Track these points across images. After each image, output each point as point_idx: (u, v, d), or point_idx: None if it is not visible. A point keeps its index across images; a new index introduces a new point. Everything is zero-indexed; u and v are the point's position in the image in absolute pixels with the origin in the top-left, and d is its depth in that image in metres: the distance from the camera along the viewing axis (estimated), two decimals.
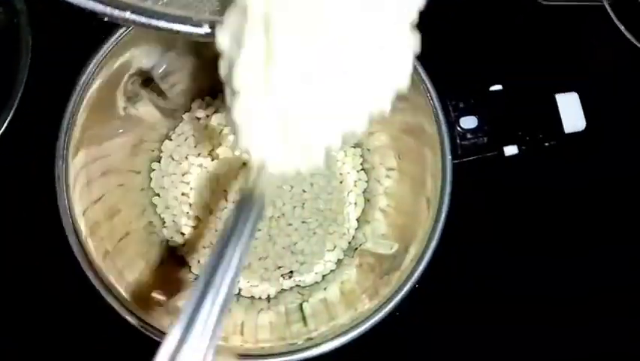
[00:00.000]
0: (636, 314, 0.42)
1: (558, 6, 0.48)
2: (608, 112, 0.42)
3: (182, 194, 0.41)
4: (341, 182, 0.42)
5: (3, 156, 0.42)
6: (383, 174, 0.41)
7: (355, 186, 0.42)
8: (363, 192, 0.42)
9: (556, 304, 0.42)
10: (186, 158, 0.41)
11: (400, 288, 0.32)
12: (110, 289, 0.32)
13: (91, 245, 0.33)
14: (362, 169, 0.43)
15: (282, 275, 0.41)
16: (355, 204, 0.42)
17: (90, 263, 0.32)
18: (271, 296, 0.40)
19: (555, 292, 0.42)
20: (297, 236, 0.40)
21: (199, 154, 0.41)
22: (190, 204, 0.41)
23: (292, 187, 0.40)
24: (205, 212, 0.41)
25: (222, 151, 0.41)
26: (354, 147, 0.43)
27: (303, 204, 0.40)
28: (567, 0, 0.48)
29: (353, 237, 0.42)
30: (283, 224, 0.40)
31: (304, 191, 0.40)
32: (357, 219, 0.42)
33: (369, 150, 0.42)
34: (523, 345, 0.43)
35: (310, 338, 0.33)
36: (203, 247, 0.41)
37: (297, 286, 0.41)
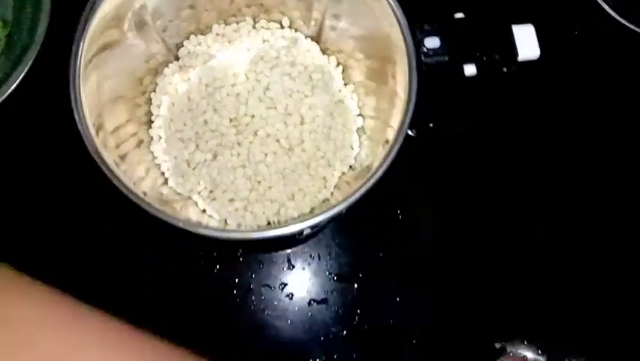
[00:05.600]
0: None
1: None
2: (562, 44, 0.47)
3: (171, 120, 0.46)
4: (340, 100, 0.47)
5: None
6: (362, 92, 0.46)
7: (357, 107, 0.47)
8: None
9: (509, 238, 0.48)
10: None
11: (367, 181, 0.36)
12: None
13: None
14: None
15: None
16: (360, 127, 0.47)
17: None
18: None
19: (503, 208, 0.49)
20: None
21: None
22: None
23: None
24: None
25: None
26: (337, 65, 0.48)
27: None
28: None
29: (355, 159, 0.46)
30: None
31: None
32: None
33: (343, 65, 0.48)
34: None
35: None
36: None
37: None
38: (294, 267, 0.49)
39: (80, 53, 0.38)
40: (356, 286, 0.48)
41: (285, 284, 0.48)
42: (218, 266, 0.48)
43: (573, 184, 0.50)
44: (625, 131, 0.52)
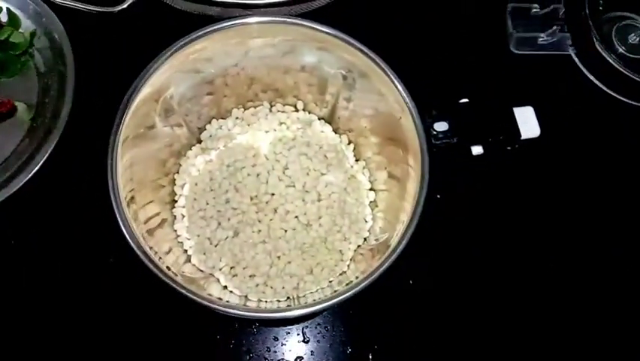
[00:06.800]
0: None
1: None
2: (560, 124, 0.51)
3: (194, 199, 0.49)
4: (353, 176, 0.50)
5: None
6: (373, 166, 0.49)
7: (369, 182, 0.50)
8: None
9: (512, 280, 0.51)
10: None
11: (387, 259, 0.39)
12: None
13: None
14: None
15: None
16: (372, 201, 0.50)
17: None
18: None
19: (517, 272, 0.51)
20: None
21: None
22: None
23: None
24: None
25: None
26: (349, 144, 0.51)
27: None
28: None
29: (369, 232, 0.49)
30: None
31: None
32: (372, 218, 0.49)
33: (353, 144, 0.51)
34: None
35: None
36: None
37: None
38: (309, 340, 0.49)
39: (118, 135, 0.41)
40: (371, 356, 0.49)
41: (301, 358, 0.49)
42: (233, 341, 0.49)
43: (574, 250, 0.52)
44: (622, 199, 0.54)
